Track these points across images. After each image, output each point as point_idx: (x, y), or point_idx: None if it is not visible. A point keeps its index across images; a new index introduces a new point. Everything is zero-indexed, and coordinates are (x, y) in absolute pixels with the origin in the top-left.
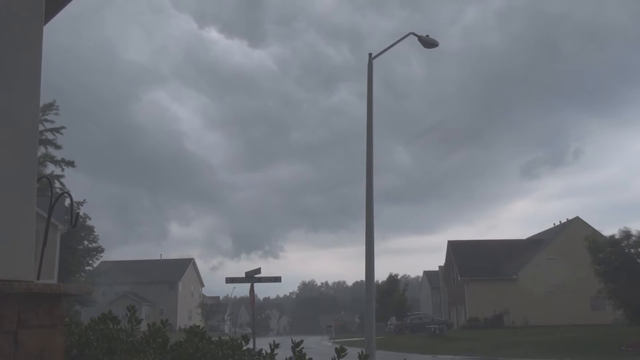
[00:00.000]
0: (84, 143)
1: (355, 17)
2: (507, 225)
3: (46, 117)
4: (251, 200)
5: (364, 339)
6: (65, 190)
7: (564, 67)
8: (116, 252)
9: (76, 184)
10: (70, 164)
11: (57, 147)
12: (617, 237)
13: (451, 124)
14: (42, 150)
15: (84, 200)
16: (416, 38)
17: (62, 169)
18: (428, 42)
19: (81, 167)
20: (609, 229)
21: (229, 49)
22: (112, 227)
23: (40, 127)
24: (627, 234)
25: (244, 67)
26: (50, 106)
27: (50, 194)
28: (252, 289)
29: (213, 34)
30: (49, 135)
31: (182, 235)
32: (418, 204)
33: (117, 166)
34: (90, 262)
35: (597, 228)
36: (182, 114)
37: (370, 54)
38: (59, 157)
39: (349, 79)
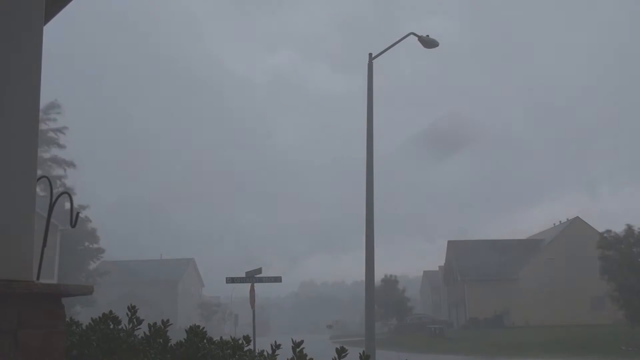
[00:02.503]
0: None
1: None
2: None
3: (48, 116)
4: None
5: (364, 338)
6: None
7: None
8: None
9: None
10: (71, 164)
11: (60, 146)
12: (620, 234)
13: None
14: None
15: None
16: (416, 38)
17: (64, 170)
18: (428, 42)
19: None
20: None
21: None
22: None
23: (44, 127)
24: (630, 231)
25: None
26: (52, 106)
27: (50, 194)
28: (252, 289)
29: (316, 64)
30: (52, 134)
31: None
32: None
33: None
34: (91, 262)
35: (597, 228)
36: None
37: (370, 54)
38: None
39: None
